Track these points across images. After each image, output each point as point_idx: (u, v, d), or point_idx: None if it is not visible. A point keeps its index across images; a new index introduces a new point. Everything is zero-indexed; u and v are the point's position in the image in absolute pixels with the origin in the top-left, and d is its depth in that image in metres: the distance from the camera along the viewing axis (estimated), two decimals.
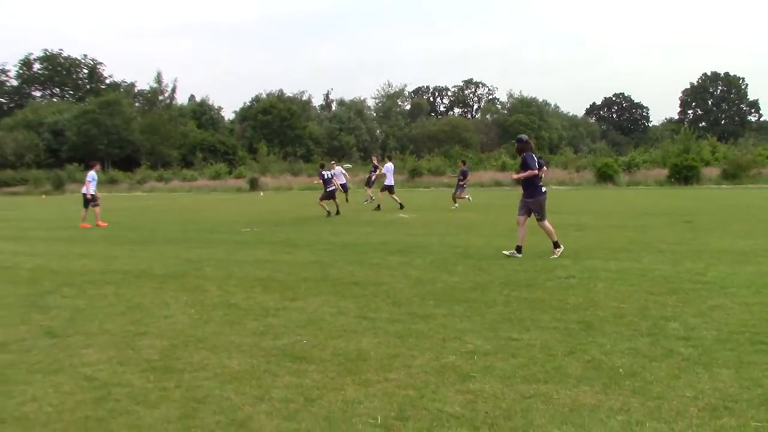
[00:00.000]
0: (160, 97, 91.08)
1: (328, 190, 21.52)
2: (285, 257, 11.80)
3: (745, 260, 10.18)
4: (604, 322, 6.54)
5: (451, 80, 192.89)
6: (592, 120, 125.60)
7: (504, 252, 11.28)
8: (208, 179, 60.07)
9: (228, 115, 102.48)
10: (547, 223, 11.29)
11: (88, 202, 20.95)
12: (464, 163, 27.39)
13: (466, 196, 26.49)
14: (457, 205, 24.85)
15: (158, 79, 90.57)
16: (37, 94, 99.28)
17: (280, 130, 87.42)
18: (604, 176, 43.82)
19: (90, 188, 20.98)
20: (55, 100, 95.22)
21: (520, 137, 11.65)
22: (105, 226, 19.97)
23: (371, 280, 9.25)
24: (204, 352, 5.85)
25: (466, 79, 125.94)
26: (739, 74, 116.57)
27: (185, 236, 16.22)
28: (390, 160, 27.91)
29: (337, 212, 21.90)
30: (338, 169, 28.98)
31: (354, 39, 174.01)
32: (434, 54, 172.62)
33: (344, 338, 6.18)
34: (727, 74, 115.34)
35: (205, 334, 6.47)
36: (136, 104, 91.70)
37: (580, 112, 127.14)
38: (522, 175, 11.16)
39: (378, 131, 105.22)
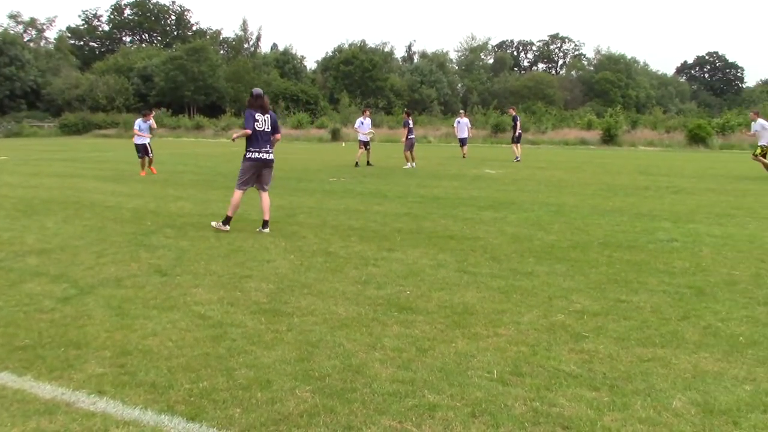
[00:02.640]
0: (245, 45, 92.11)
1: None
2: (376, 208, 11.84)
3: None
4: (715, 288, 6.32)
5: (537, 35, 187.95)
6: (683, 79, 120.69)
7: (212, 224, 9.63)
8: (291, 128, 60.48)
9: (310, 64, 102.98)
10: (236, 194, 9.47)
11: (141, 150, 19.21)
12: (408, 114, 24.18)
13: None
14: (408, 164, 22.44)
15: (244, 26, 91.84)
16: (127, 39, 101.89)
17: (361, 81, 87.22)
18: (696, 138, 42.13)
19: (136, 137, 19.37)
20: (144, 45, 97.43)
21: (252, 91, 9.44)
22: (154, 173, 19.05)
23: (466, 234, 9.18)
24: (310, 297, 5.93)
25: (552, 33, 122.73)
26: None
27: (275, 183, 16.34)
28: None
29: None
30: (464, 120, 29.36)
31: None
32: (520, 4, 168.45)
33: (447, 291, 6.16)
34: None
35: (309, 280, 6.56)
36: (221, 52, 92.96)
37: (670, 71, 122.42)
38: (238, 134, 9.35)
39: (459, 85, 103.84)
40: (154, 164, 19.77)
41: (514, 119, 27.75)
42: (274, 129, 9.43)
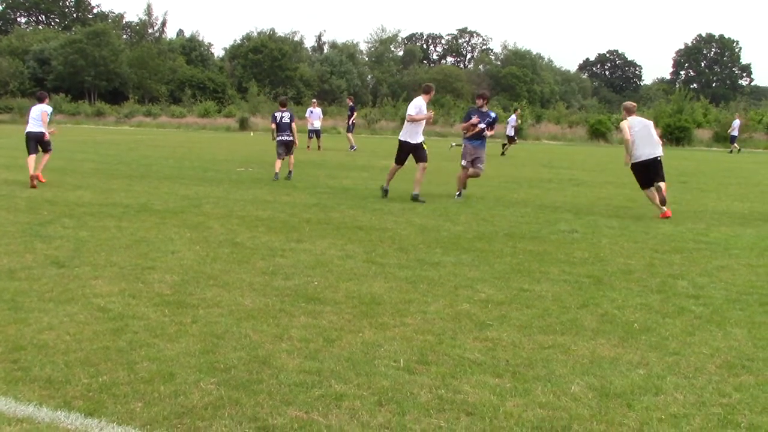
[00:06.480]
0: (150, 30, 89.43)
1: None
2: (285, 198, 11.74)
3: (744, 223, 10.27)
4: (612, 277, 6.59)
5: (446, 28, 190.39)
6: (585, 76, 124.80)
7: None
8: (197, 117, 59.22)
9: (218, 52, 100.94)
10: None
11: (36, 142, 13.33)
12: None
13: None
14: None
15: (148, 11, 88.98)
16: (23, 20, 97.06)
17: (270, 71, 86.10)
18: (597, 133, 43.75)
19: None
20: (40, 27, 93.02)
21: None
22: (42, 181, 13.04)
23: (375, 225, 9.23)
24: (216, 288, 5.82)
25: (461, 27, 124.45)
26: (734, 37, 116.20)
27: (180, 173, 16.07)
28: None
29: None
30: (317, 110, 27.38)
31: None
32: None
33: (355, 281, 6.17)
34: (721, 36, 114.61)
35: (215, 271, 6.44)
36: (125, 36, 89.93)
37: (573, 67, 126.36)
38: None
39: (369, 76, 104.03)
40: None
41: (353, 110, 28.65)
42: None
